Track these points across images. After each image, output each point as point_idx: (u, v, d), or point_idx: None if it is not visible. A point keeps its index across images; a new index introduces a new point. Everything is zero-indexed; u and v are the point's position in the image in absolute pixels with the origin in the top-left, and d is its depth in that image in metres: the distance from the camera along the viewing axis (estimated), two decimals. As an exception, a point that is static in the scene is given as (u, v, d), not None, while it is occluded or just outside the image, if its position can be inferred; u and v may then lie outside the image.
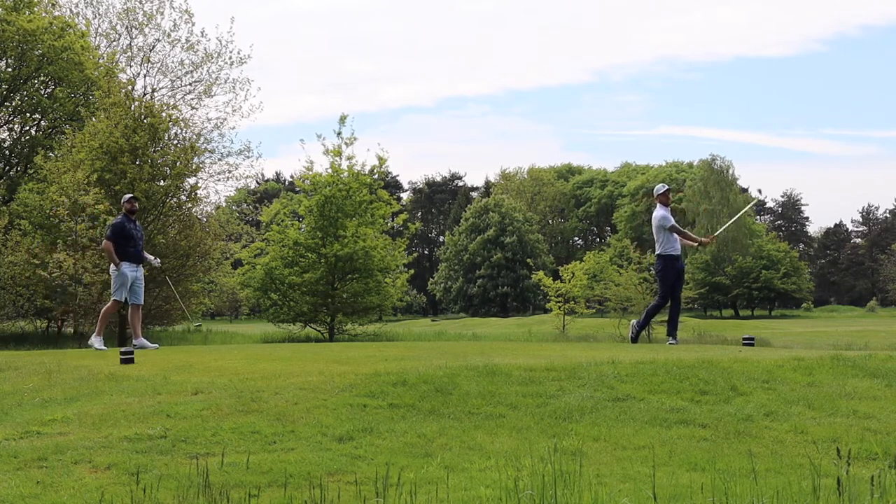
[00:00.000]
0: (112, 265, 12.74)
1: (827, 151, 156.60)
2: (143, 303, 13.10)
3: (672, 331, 12.75)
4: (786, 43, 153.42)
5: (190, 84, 32.88)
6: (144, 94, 30.57)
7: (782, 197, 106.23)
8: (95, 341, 12.67)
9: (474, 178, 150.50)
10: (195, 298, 26.63)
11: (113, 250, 12.60)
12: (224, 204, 33.14)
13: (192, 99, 32.67)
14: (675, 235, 12.58)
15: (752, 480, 4.55)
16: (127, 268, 12.63)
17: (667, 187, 12.98)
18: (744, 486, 4.45)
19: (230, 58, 32.75)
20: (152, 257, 13.43)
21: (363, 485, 4.77)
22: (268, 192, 71.92)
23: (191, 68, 32.69)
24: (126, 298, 12.76)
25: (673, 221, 12.63)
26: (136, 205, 13.16)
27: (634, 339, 13.07)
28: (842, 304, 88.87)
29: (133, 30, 32.76)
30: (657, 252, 12.72)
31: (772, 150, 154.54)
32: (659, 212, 12.70)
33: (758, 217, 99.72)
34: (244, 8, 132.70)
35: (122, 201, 13.17)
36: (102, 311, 13.01)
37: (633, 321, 13.37)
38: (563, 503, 4.07)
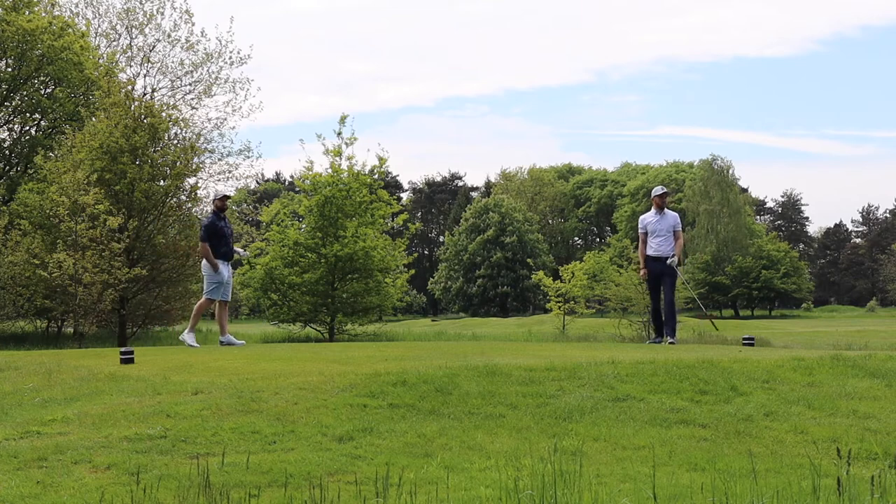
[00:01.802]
0: (205, 263, 12.75)
1: (827, 151, 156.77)
2: (230, 299, 13.26)
3: (670, 331, 12.79)
4: (786, 43, 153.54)
5: (190, 84, 32.89)
6: (144, 94, 30.57)
7: (782, 197, 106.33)
8: (188, 337, 12.75)
9: (474, 178, 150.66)
10: (195, 298, 26.58)
11: (210, 252, 12.57)
12: (224, 204, 33.02)
13: (192, 99, 32.68)
14: (658, 236, 12.84)
15: (752, 480, 4.55)
16: (222, 267, 12.68)
17: (662, 191, 13.13)
18: (744, 486, 4.45)
19: (230, 58, 32.75)
20: (241, 250, 13.53)
21: (363, 485, 4.77)
22: (268, 192, 71.87)
23: (191, 68, 32.69)
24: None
25: (643, 228, 13.01)
26: (227, 203, 13.21)
27: (657, 339, 13.17)
28: (842, 304, 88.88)
29: (133, 30, 32.76)
30: None
31: (772, 150, 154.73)
32: (642, 215, 13.24)
33: (758, 217, 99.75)
34: (244, 8, 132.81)
35: (214, 199, 13.15)
36: (196, 307, 13.11)
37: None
38: (563, 503, 4.07)
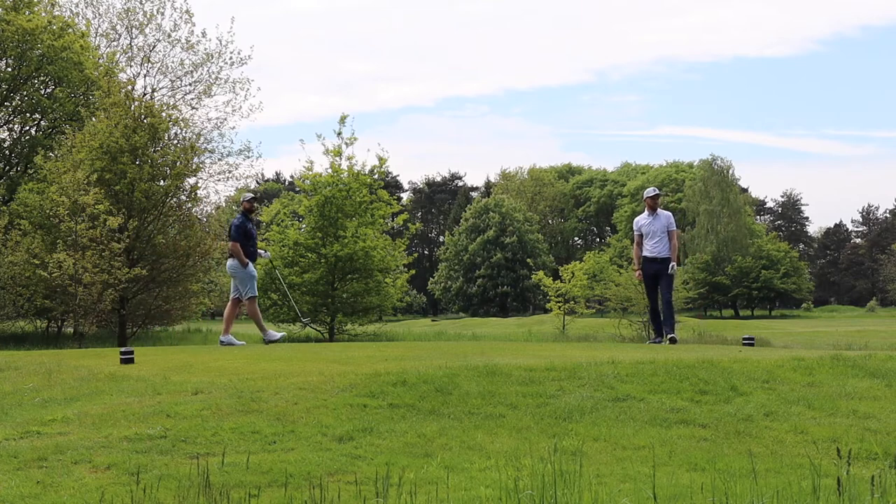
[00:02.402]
0: (231, 262, 13.03)
1: (827, 151, 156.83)
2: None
3: (670, 328, 12.82)
4: (786, 43, 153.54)
5: (190, 84, 32.91)
6: (144, 94, 30.57)
7: (782, 197, 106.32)
8: (269, 336, 13.09)
9: (474, 178, 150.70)
10: (195, 298, 26.61)
11: (241, 250, 12.88)
12: (224, 204, 33.13)
13: (192, 99, 32.70)
14: (653, 237, 12.95)
15: (752, 480, 4.55)
16: (250, 265, 13.02)
17: (654, 192, 13.24)
18: (744, 486, 4.45)
19: (230, 58, 32.78)
20: (262, 251, 13.73)
21: (363, 485, 4.77)
22: (268, 192, 71.93)
23: (191, 68, 32.71)
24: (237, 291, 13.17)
25: (637, 230, 13.20)
26: (256, 204, 13.45)
27: (657, 339, 13.21)
28: (842, 304, 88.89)
29: (133, 30, 32.78)
30: None
31: (772, 150, 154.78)
32: (636, 217, 13.44)
33: (758, 217, 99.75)
34: (244, 8, 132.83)
35: (242, 200, 13.48)
36: (249, 313, 13.30)
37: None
38: (563, 503, 4.07)
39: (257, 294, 13.19)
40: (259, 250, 13.57)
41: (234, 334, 13.37)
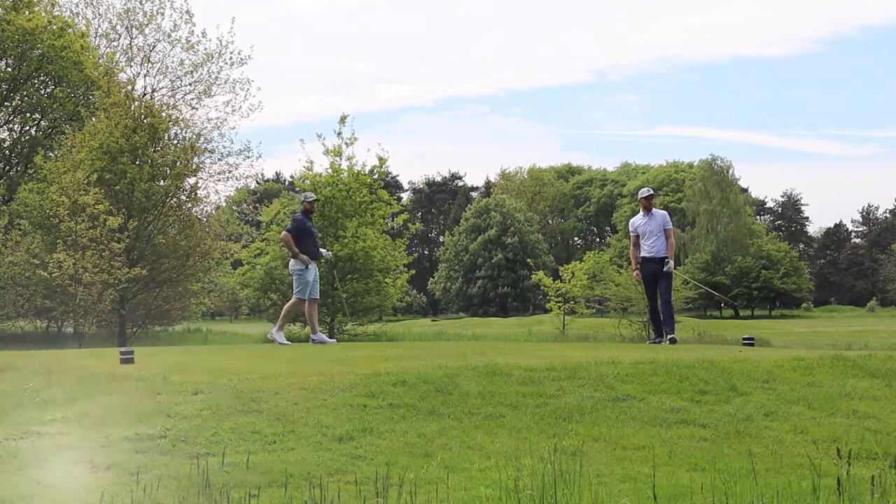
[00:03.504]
0: (293, 263, 13.19)
1: (827, 151, 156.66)
2: (318, 298, 13.61)
3: (669, 328, 12.82)
4: (786, 43, 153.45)
5: (190, 84, 32.92)
6: (144, 94, 30.57)
7: (782, 197, 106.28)
8: (278, 336, 13.17)
9: (474, 178, 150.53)
10: (195, 298, 26.61)
11: (293, 242, 13.01)
12: (224, 204, 33.10)
13: (192, 99, 32.71)
14: (650, 237, 12.95)
15: (752, 480, 4.55)
16: (311, 265, 13.17)
17: (648, 192, 13.26)
18: (744, 486, 4.46)
19: (230, 58, 32.78)
20: (325, 251, 13.82)
21: (363, 485, 4.77)
22: (268, 192, 71.79)
23: (191, 68, 32.72)
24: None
25: (633, 231, 13.21)
26: (316, 205, 13.61)
27: (656, 339, 13.22)
28: (842, 304, 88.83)
29: (133, 30, 32.79)
30: None
31: (772, 150, 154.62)
32: (632, 218, 13.47)
33: (758, 217, 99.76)
34: (244, 8, 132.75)
35: (304, 200, 13.68)
36: (285, 308, 13.56)
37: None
38: (563, 503, 4.07)
39: (306, 299, 13.15)
40: (322, 249, 13.66)
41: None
